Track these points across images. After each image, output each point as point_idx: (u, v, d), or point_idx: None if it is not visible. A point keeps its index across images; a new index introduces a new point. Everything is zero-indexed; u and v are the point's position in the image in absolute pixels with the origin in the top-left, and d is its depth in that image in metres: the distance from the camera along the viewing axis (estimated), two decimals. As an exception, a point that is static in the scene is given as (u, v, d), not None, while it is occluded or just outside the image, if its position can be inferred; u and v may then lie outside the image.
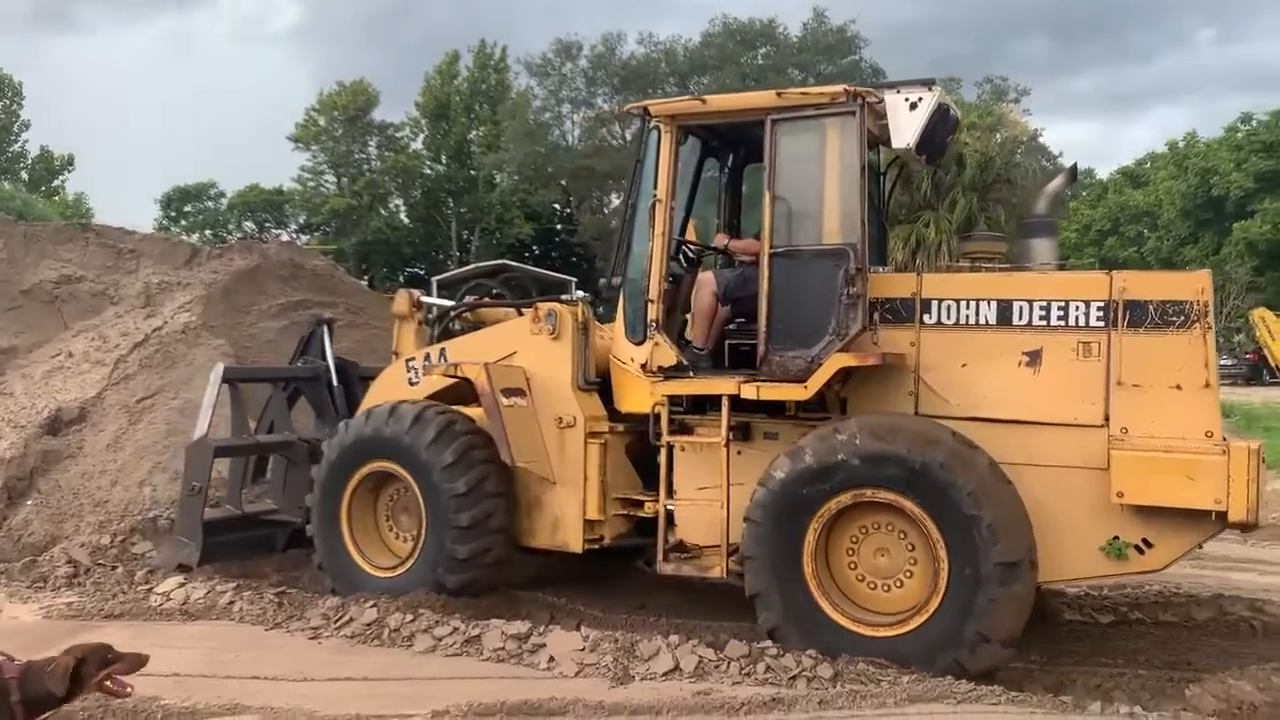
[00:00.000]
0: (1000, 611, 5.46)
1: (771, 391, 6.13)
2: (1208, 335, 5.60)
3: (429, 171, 50.26)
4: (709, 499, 6.46)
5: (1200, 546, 5.72)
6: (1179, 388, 5.62)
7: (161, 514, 8.54)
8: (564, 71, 46.62)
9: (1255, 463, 5.34)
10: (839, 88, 6.24)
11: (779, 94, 6.37)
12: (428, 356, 7.67)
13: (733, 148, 7.59)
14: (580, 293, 8.40)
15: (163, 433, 9.61)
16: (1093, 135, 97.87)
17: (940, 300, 6.16)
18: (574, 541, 6.93)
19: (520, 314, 7.61)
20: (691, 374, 6.60)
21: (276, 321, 12.14)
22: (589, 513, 6.90)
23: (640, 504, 7.02)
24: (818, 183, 6.29)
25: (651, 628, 6.52)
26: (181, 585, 7.32)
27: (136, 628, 6.72)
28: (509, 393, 6.85)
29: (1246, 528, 5.50)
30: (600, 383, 7.14)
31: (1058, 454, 5.81)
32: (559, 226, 55.07)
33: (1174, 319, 5.65)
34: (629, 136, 50.23)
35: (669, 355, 6.65)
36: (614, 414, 7.07)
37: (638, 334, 6.77)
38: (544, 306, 7.12)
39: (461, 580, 6.80)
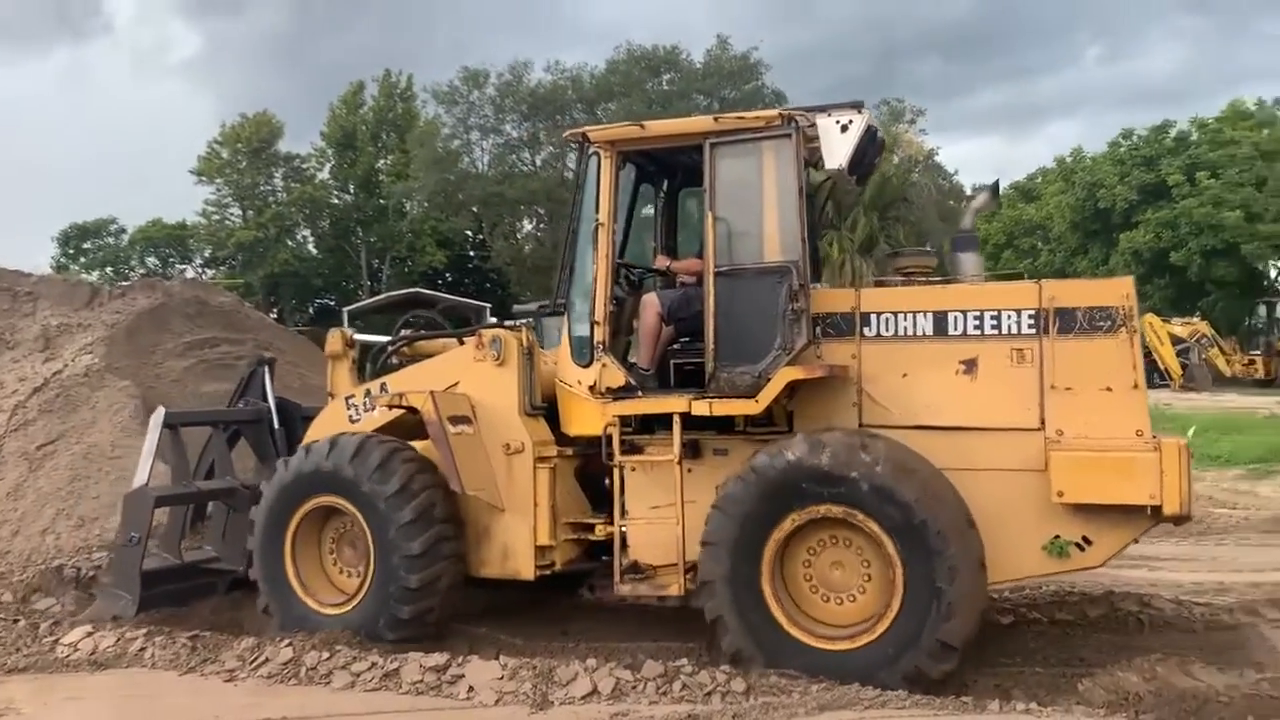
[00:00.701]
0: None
1: (724, 407, 6.24)
2: (1134, 339, 5.89)
3: (337, 201, 49.67)
4: (662, 518, 6.52)
5: (1136, 541, 5.98)
6: (1109, 389, 5.90)
7: (66, 563, 8.26)
8: (472, 99, 46.58)
9: (1185, 458, 5.62)
10: (773, 112, 6.42)
11: (715, 119, 6.53)
12: (368, 393, 7.58)
13: (669, 173, 7.71)
14: (523, 320, 8.39)
15: (66, 479, 9.32)
16: (990, 152, 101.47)
17: (879, 313, 6.36)
18: (525, 569, 6.91)
19: (461, 343, 7.60)
20: (640, 394, 6.67)
21: (183, 360, 11.86)
22: (540, 539, 6.89)
23: (591, 527, 7.07)
24: (757, 203, 6.43)
25: (570, 653, 6.58)
26: (89, 635, 7.03)
27: (41, 681, 6.53)
28: (456, 420, 6.83)
29: (1180, 520, 5.79)
30: (546, 407, 7.16)
31: (997, 458, 6.03)
32: (471, 253, 54.84)
33: (1101, 324, 5.93)
34: (539, 162, 50.48)
35: (617, 376, 6.71)
36: (561, 438, 7.09)
37: (584, 356, 6.82)
38: (488, 333, 7.12)
39: (415, 610, 6.73)
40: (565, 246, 7.03)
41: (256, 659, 6.51)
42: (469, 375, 7.12)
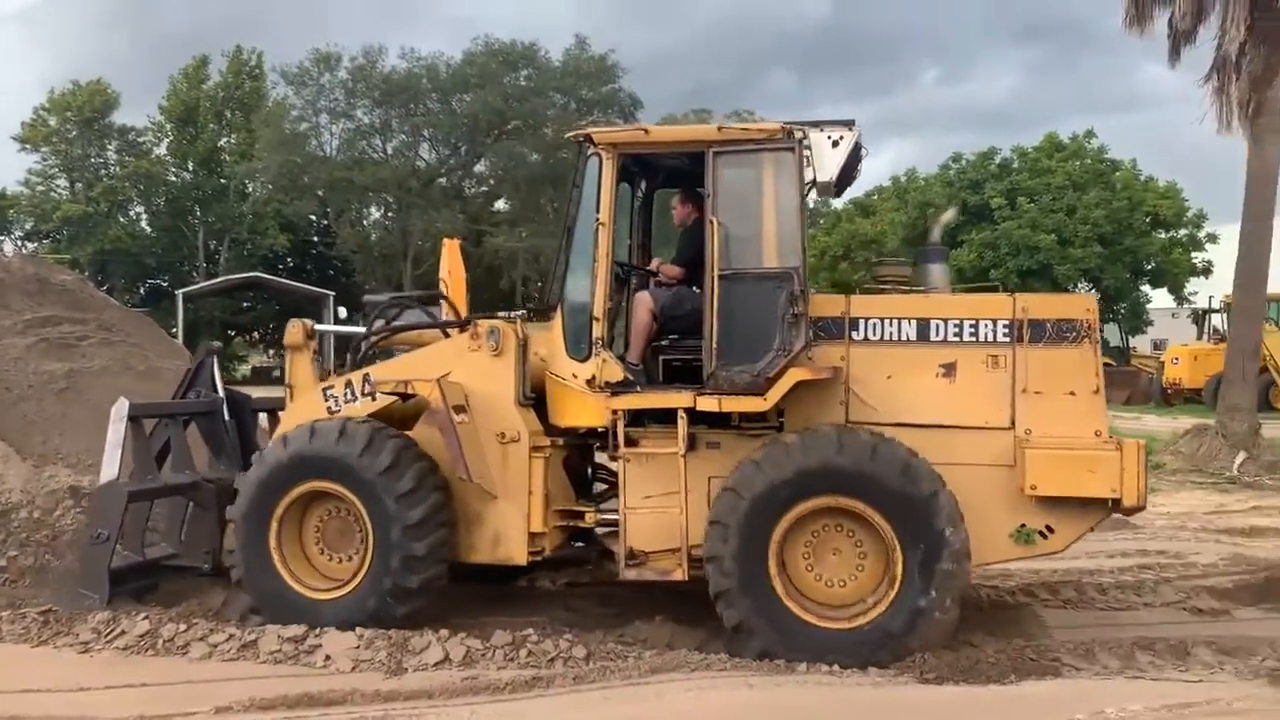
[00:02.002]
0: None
1: (733, 404, 6.61)
2: (1095, 348, 6.62)
3: (174, 179, 47.29)
4: (656, 506, 6.82)
5: (1093, 530, 6.72)
6: (1073, 394, 6.59)
7: None
8: (322, 82, 45.36)
9: (1142, 457, 6.37)
10: (776, 125, 6.83)
11: (720, 129, 6.90)
12: (349, 384, 7.56)
13: (648, 174, 8.02)
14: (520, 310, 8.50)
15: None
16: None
17: (866, 319, 6.87)
18: (518, 554, 7.09)
19: (446, 335, 7.69)
20: (638, 389, 6.97)
21: (24, 339, 11.28)
22: (533, 525, 7.07)
23: (577, 515, 7.32)
24: (760, 211, 6.84)
25: (424, 626, 6.75)
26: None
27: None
28: (458, 410, 6.94)
29: (1135, 511, 6.54)
30: (535, 398, 7.35)
31: (972, 454, 6.62)
32: (315, 239, 53.24)
33: (1068, 335, 6.63)
34: (390, 150, 49.61)
35: (616, 371, 6.97)
36: (548, 428, 7.30)
37: (581, 351, 7.04)
38: (485, 324, 7.24)
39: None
40: (561, 244, 7.23)
41: (112, 631, 6.67)
42: (463, 365, 7.21)
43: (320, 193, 47.44)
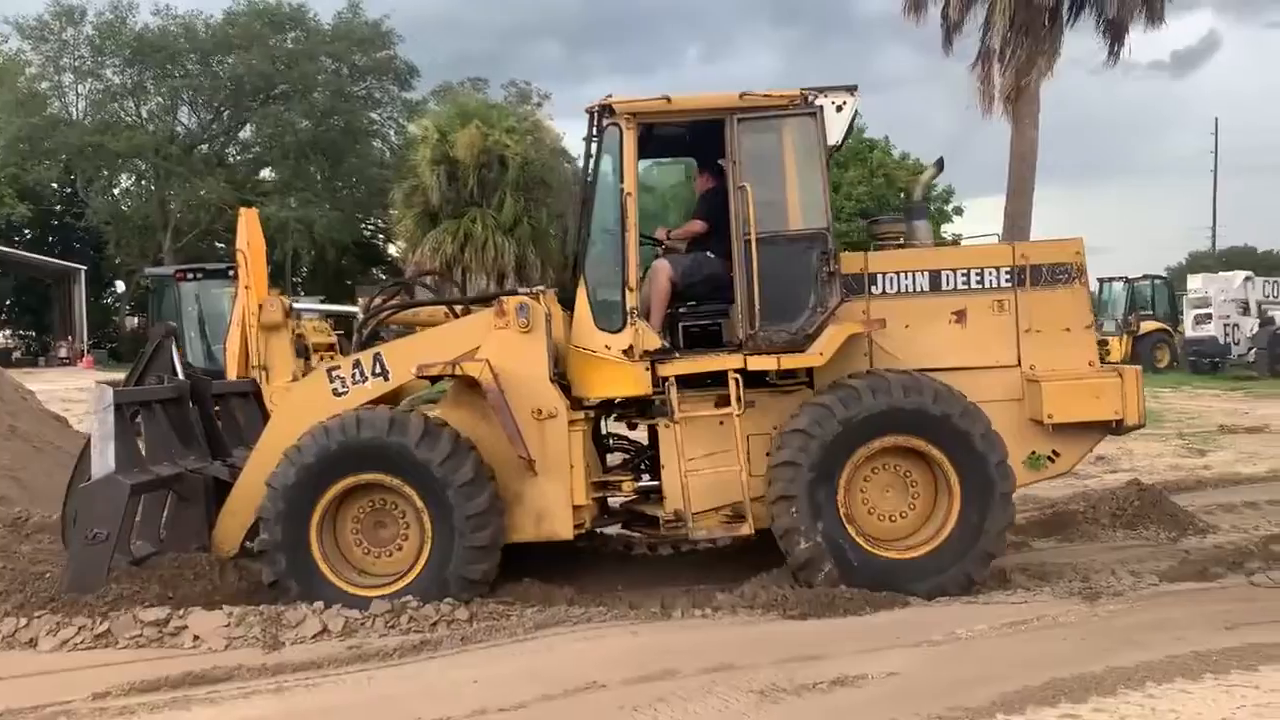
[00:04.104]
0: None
1: (791, 361, 6.89)
2: (1085, 288, 7.36)
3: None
4: (702, 467, 6.99)
5: (1091, 451, 7.50)
6: (1068, 330, 7.32)
7: None
8: (65, 38, 41.20)
9: (1139, 381, 7.17)
10: (796, 91, 7.09)
11: (741, 95, 7.06)
12: (358, 364, 7.26)
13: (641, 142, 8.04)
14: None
15: None
16: None
17: (884, 273, 7.30)
18: (564, 529, 7.08)
19: (451, 314, 7.52)
20: (676, 355, 7.11)
21: None
22: (576, 499, 7.09)
23: (612, 485, 7.42)
24: (783, 174, 7.11)
25: (293, 599, 6.70)
26: None
27: None
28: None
29: (1136, 429, 7.35)
30: (560, 373, 7.32)
31: (985, 391, 7.19)
32: (59, 209, 48.65)
33: (1061, 277, 7.33)
34: (145, 114, 45.77)
35: (654, 339, 7.08)
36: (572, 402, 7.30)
37: (615, 322, 7.08)
38: (513, 300, 7.12)
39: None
40: (580, 217, 7.20)
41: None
42: (491, 342, 7.08)
43: (65, 159, 43.33)
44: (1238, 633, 5.70)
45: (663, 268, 7.43)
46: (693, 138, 7.75)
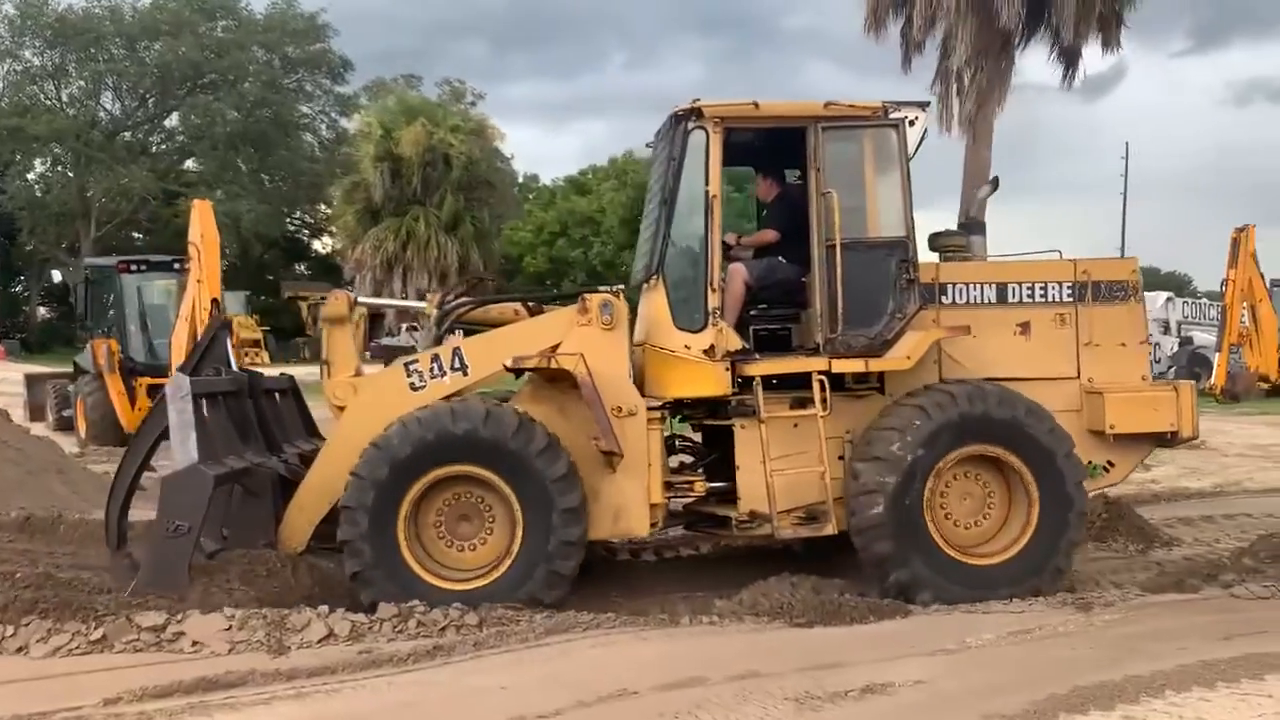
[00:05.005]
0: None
1: (880, 364, 7.03)
2: (1141, 305, 7.67)
3: None
4: (781, 468, 7.06)
5: (1142, 461, 7.80)
6: (1124, 345, 7.61)
7: None
8: (-18, 16, 39.44)
9: (1194, 396, 7.50)
10: (878, 103, 7.26)
11: (826, 105, 7.19)
12: (436, 358, 7.17)
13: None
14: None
15: None
16: (529, 141, 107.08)
17: (953, 284, 7.49)
18: (640, 527, 7.08)
19: (529, 310, 7.47)
20: (757, 356, 7.19)
21: None
22: (653, 497, 7.10)
23: (685, 485, 7.45)
24: (864, 183, 7.26)
25: (294, 604, 6.56)
26: None
27: None
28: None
29: (1190, 441, 7.67)
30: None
31: (1046, 402, 7.36)
32: (-35, 194, 46.44)
33: (1119, 294, 7.63)
34: (66, 97, 44.02)
35: (735, 339, 7.15)
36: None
37: (696, 322, 7.12)
38: (596, 298, 7.10)
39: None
40: (661, 218, 7.23)
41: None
42: (573, 339, 7.05)
43: (-27, 141, 41.45)
44: (1235, 643, 5.84)
45: (739, 271, 7.50)
46: (760, 145, 7.84)
